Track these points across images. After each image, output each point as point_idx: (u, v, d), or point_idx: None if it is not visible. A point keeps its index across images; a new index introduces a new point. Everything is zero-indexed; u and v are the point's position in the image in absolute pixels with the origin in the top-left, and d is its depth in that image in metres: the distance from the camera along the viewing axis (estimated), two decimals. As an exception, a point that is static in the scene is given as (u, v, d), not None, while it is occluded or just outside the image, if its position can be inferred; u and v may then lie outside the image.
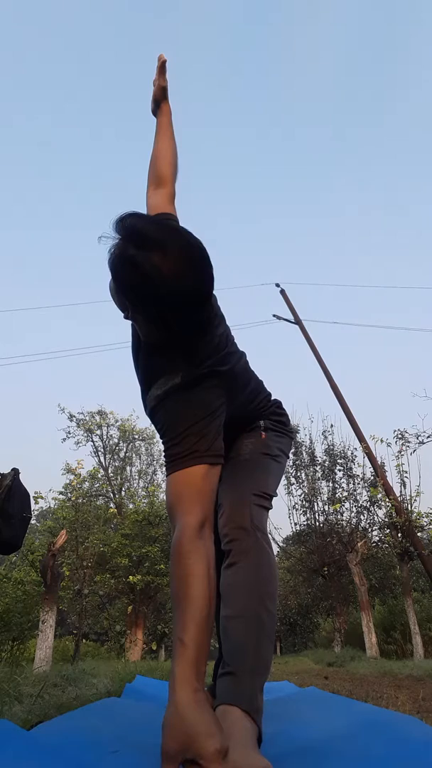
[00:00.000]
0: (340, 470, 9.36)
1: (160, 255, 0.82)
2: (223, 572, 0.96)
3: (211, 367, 0.99)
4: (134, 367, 1.15)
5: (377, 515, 8.19)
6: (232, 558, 0.96)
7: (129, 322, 1.07)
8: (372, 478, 8.22)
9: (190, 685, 0.70)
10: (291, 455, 9.97)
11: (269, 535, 1.09)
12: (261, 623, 0.87)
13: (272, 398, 1.29)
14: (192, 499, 0.88)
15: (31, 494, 2.64)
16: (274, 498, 1.14)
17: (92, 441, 13.52)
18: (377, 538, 8.68)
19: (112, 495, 12.52)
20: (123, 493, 12.66)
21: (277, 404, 1.29)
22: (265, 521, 1.04)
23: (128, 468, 13.75)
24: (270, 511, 1.11)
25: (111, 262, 0.86)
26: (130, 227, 0.84)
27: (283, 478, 9.88)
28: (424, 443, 7.40)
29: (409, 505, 7.12)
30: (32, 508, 2.74)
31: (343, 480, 9.25)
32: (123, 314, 0.97)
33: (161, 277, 0.82)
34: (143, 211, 1.30)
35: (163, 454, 0.99)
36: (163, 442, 0.99)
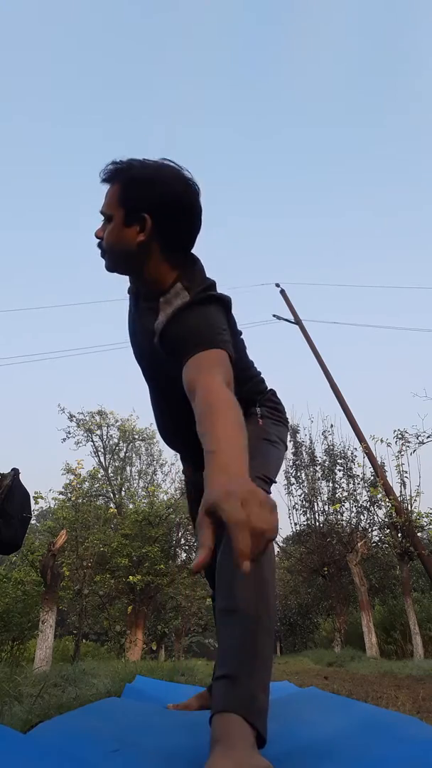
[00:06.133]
0: (340, 470, 9.37)
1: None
2: (218, 561, 0.90)
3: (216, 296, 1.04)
4: (130, 329, 1.21)
5: (377, 515, 8.20)
6: (226, 545, 0.89)
7: (125, 323, 1.18)
8: (372, 478, 8.22)
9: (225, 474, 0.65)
10: (291, 455, 10.04)
11: None
12: (257, 616, 0.82)
13: (268, 387, 1.31)
14: (219, 369, 0.87)
15: (31, 494, 2.64)
16: (274, 499, 1.13)
17: (92, 441, 13.54)
18: (377, 538, 8.68)
19: (112, 495, 12.52)
20: (123, 493, 12.66)
21: (273, 392, 1.30)
22: None
23: (128, 468, 13.76)
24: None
25: (192, 191, 1.02)
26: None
27: (283, 478, 9.94)
28: (424, 443, 7.41)
29: (409, 505, 7.12)
30: (32, 508, 2.74)
31: (343, 480, 9.27)
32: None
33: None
34: None
35: (182, 344, 0.95)
36: (183, 340, 0.96)
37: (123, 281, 1.26)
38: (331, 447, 9.71)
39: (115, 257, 1.09)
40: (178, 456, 1.51)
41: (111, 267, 1.12)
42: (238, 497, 0.58)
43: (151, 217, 1.02)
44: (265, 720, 0.74)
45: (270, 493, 1.07)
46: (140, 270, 1.09)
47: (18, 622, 7.15)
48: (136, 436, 13.82)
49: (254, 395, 1.24)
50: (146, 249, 1.05)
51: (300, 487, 9.66)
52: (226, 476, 0.64)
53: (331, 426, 10.10)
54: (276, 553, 11.47)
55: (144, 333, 1.13)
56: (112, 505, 11.38)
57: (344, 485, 9.17)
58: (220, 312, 1.03)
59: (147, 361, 1.21)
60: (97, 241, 1.11)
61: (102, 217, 1.09)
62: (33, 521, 8.52)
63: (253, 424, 1.17)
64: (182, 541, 9.36)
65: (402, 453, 7.41)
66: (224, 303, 1.06)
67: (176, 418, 1.23)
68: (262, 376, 1.32)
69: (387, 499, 7.30)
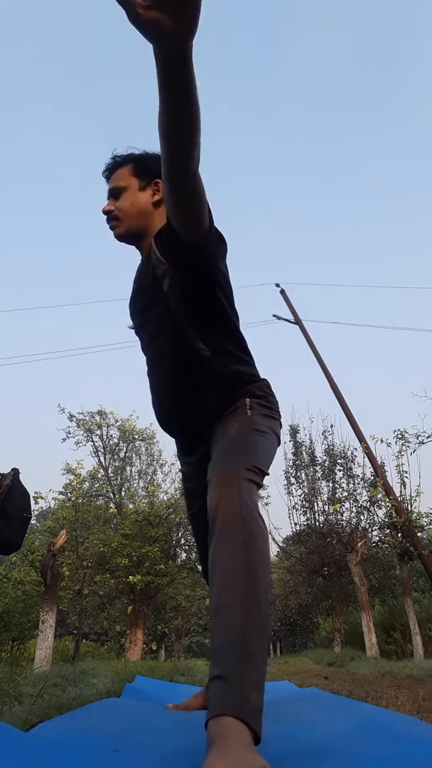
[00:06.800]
0: (340, 470, 9.36)
1: None
2: (210, 554, 0.89)
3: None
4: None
5: (377, 515, 8.19)
6: (219, 537, 0.89)
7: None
8: (372, 478, 8.22)
9: None
10: (291, 455, 10.03)
11: (266, 530, 1.04)
12: (246, 609, 0.80)
13: (260, 379, 1.31)
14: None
15: (31, 494, 2.64)
16: (273, 499, 1.13)
17: (92, 441, 13.52)
18: (377, 538, 8.67)
19: (112, 495, 12.51)
20: (123, 493, 12.65)
21: (266, 384, 1.30)
22: (256, 497, 0.98)
23: (128, 468, 13.75)
24: (270, 511, 1.09)
25: None
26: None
27: (283, 478, 9.94)
28: (424, 443, 7.40)
29: (409, 505, 7.12)
30: (32, 508, 2.74)
31: (343, 480, 9.26)
32: None
33: None
34: None
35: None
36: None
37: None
38: (331, 447, 9.69)
39: (130, 219, 1.25)
40: (176, 453, 1.51)
41: (124, 231, 1.27)
42: None
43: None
44: (259, 718, 0.73)
45: (262, 486, 1.05)
46: (149, 231, 1.22)
47: (18, 622, 7.14)
48: (136, 436, 13.81)
49: (247, 381, 1.25)
50: (158, 207, 1.24)
51: (300, 487, 9.65)
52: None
53: (331, 426, 10.09)
54: (276, 553, 11.55)
55: (143, 275, 1.24)
56: (112, 505, 11.37)
57: (344, 485, 9.16)
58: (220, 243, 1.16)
59: (146, 317, 1.27)
60: (105, 217, 1.28)
61: (107, 198, 1.30)
62: (33, 521, 8.51)
63: (241, 415, 1.16)
64: (182, 541, 9.35)
65: (402, 453, 7.40)
66: (222, 238, 1.16)
67: (177, 380, 1.24)
68: (256, 367, 1.33)
69: (387, 499, 7.29)
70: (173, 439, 1.41)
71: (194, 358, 1.19)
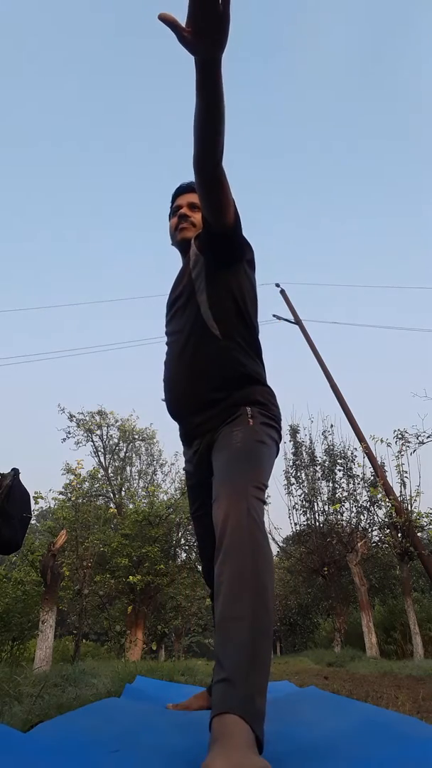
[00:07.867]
0: (340, 470, 9.35)
1: None
2: (217, 567, 0.92)
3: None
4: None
5: (377, 515, 8.18)
6: (226, 551, 0.92)
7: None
8: (372, 478, 8.22)
9: None
10: (291, 455, 10.03)
11: (267, 531, 1.06)
12: (256, 620, 0.83)
13: (266, 384, 1.34)
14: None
15: (31, 494, 2.64)
16: (273, 499, 1.15)
17: (92, 441, 13.51)
18: (377, 538, 8.67)
19: (112, 495, 12.51)
20: (123, 493, 12.65)
21: (270, 392, 1.32)
22: (262, 513, 1.01)
23: (128, 468, 13.74)
24: (270, 511, 1.10)
25: None
26: None
27: (283, 478, 9.94)
28: (424, 443, 7.39)
29: (409, 505, 7.11)
30: (32, 508, 2.74)
31: (343, 480, 9.25)
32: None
33: None
34: None
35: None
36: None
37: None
38: (331, 447, 9.69)
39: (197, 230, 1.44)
40: (178, 454, 1.56)
41: (191, 236, 1.45)
42: None
43: None
44: (262, 722, 0.75)
45: (265, 502, 1.08)
46: None
47: (18, 622, 7.14)
48: (136, 436, 13.80)
49: (252, 378, 1.28)
50: None
51: (300, 487, 9.64)
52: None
53: (331, 426, 10.09)
54: (276, 553, 11.55)
55: (181, 273, 1.43)
56: (112, 505, 11.37)
57: (344, 485, 9.15)
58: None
59: (176, 306, 1.40)
60: (178, 217, 1.49)
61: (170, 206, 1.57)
62: (33, 521, 8.51)
63: (243, 424, 1.17)
64: (182, 541, 9.36)
65: (402, 453, 7.39)
66: (250, 246, 1.39)
67: (187, 356, 1.31)
68: (263, 373, 1.35)
69: (387, 499, 7.29)
70: (178, 434, 1.44)
71: (206, 337, 1.29)
